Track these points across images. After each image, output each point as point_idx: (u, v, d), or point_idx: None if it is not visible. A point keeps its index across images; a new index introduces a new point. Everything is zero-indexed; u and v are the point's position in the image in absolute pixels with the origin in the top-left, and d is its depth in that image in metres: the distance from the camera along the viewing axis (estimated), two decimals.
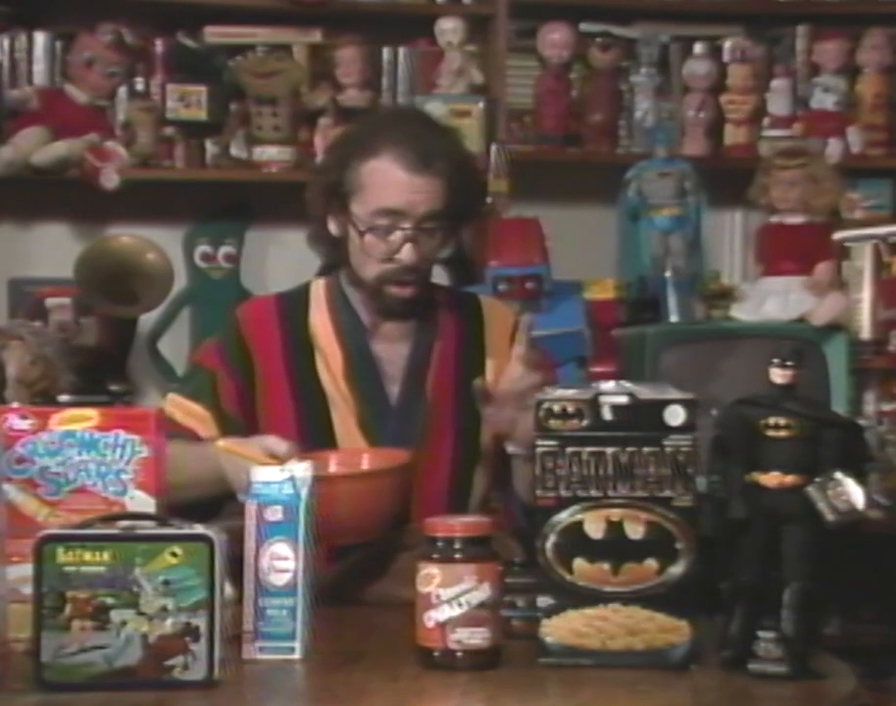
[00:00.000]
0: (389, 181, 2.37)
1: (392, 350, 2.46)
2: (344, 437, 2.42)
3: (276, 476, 1.94)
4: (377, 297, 2.43)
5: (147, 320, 3.78)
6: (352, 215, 2.40)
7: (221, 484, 2.26)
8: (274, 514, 1.92)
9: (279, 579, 1.91)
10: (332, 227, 2.46)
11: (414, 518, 2.32)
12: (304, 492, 1.93)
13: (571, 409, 1.88)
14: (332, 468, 2.28)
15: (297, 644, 1.90)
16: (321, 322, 2.49)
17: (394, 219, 2.37)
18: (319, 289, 2.53)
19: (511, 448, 2.34)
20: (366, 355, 2.46)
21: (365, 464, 2.31)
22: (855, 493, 1.79)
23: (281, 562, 1.91)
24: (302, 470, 1.95)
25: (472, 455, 2.47)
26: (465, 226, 2.54)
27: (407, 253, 2.38)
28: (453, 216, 2.42)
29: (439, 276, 3.29)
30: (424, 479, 2.40)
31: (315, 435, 2.40)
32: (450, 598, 1.83)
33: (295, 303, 2.52)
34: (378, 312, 2.46)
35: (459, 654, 1.83)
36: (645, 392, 1.89)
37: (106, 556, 1.74)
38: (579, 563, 1.86)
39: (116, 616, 1.74)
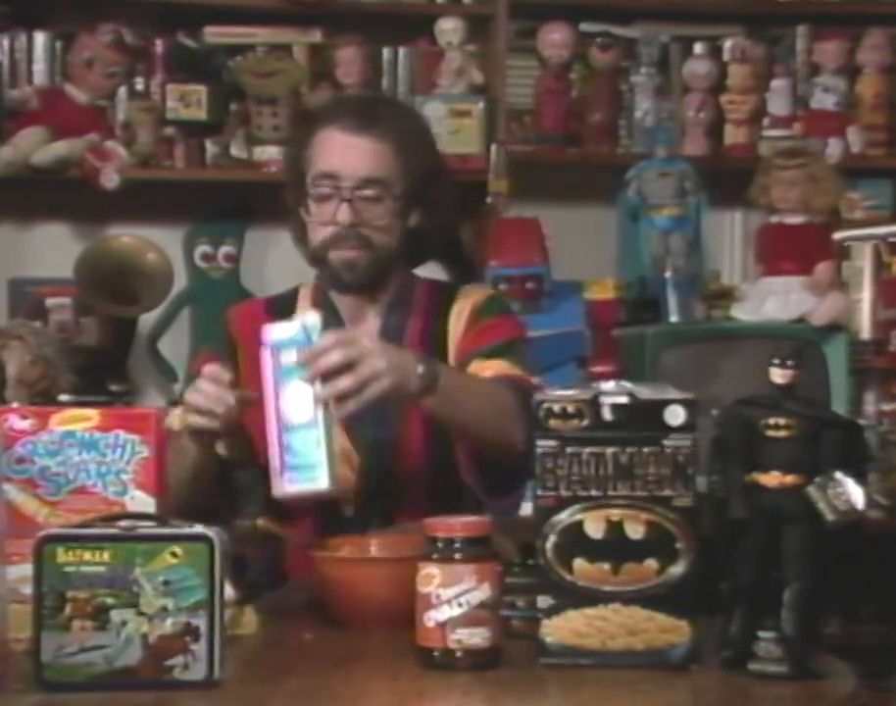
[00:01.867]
0: (328, 145, 2.39)
1: None
2: None
3: (287, 327, 2.00)
4: (324, 267, 2.42)
5: (147, 320, 3.78)
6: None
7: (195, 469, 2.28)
8: (289, 356, 1.97)
9: (301, 416, 1.95)
10: (302, 216, 2.45)
11: (395, 511, 2.33)
12: (315, 336, 1.98)
13: (571, 409, 1.88)
14: (373, 551, 2.20)
15: (323, 473, 1.94)
16: None
17: (333, 182, 2.37)
18: (306, 291, 2.54)
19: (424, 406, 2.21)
20: None
21: (405, 549, 2.11)
22: (855, 493, 1.79)
23: (300, 400, 1.95)
24: (311, 318, 2.01)
25: (445, 444, 2.40)
26: (431, 206, 2.45)
27: (342, 213, 2.36)
28: (403, 186, 2.38)
29: (440, 276, 3.30)
30: (404, 474, 2.40)
31: None
32: (450, 598, 1.83)
33: (282, 305, 2.52)
34: (330, 286, 2.44)
35: (459, 654, 1.83)
36: (645, 392, 1.89)
37: (106, 556, 1.74)
38: (579, 563, 1.86)
39: (116, 616, 1.74)
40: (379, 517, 2.37)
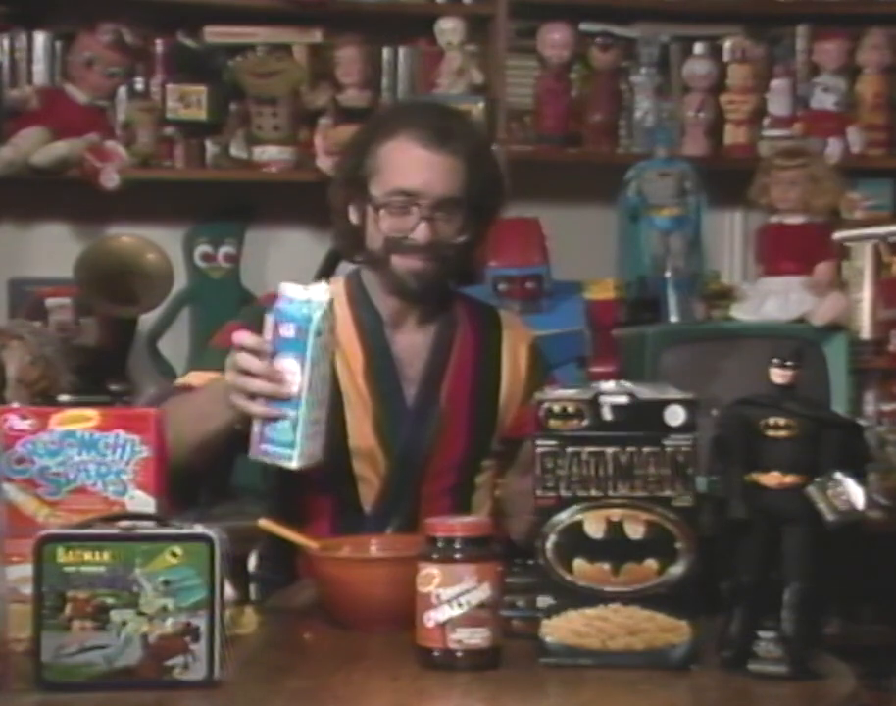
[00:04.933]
0: (406, 160, 2.35)
1: (411, 352, 2.45)
2: (357, 438, 2.40)
3: (298, 294, 2.01)
4: (385, 270, 2.39)
5: (147, 320, 3.78)
6: (370, 197, 2.38)
7: (216, 418, 2.18)
8: (287, 330, 2.00)
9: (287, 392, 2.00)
10: (352, 217, 2.42)
11: (421, 524, 2.33)
12: (316, 315, 2.00)
13: (571, 409, 1.88)
14: (373, 551, 2.22)
15: (295, 453, 1.99)
16: (340, 319, 2.45)
17: (411, 199, 2.34)
18: (339, 286, 2.50)
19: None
20: (386, 354, 2.44)
21: (405, 549, 2.09)
22: (855, 493, 1.80)
23: (288, 375, 2.00)
24: (321, 292, 2.02)
25: (479, 460, 2.47)
26: (485, 219, 2.46)
27: (421, 232, 2.34)
28: (471, 203, 2.38)
29: None
30: (433, 485, 2.40)
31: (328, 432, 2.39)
32: (450, 598, 1.83)
33: None
34: (390, 290, 2.42)
35: (459, 654, 1.83)
36: (645, 392, 1.89)
37: (106, 556, 1.75)
38: (579, 563, 1.86)
39: (116, 616, 1.74)
40: (399, 517, 2.37)
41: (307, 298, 2.00)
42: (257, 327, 2.40)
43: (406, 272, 2.38)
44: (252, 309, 2.54)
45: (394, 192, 2.35)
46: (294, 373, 1.99)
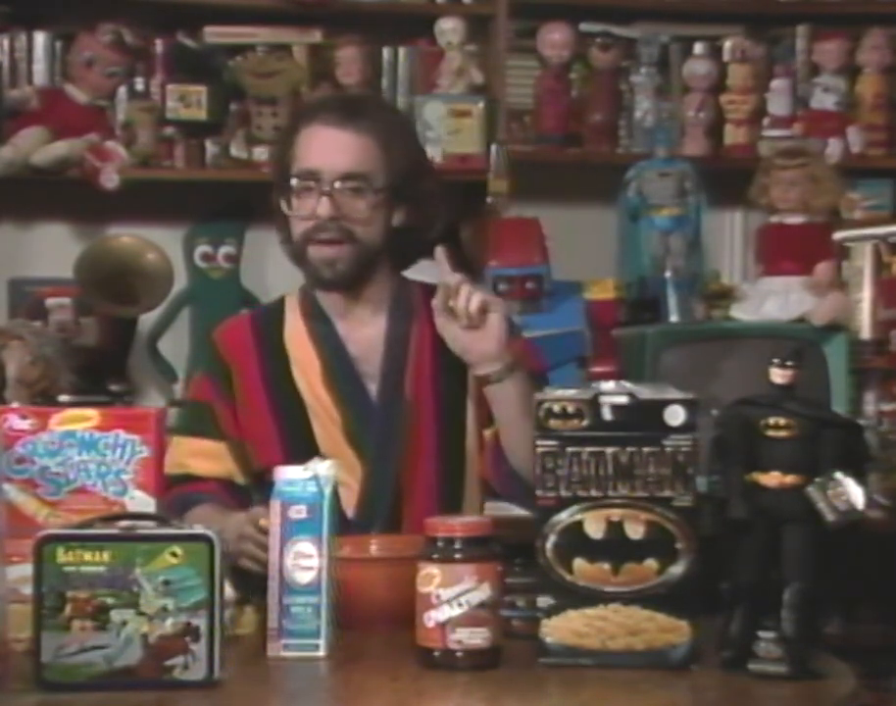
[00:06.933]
0: (312, 141, 2.39)
1: (368, 348, 2.43)
2: (327, 445, 2.38)
3: (300, 474, 1.95)
4: (305, 263, 2.40)
5: (147, 320, 3.78)
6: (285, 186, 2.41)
7: None
8: (298, 513, 1.93)
9: (304, 577, 1.92)
10: (284, 212, 2.43)
11: (405, 520, 2.33)
12: (327, 491, 1.95)
13: (571, 409, 1.88)
14: (373, 550, 2.23)
15: (321, 642, 1.91)
16: (296, 331, 2.46)
17: (313, 176, 2.37)
18: (293, 300, 2.51)
19: (476, 372, 2.28)
20: (342, 356, 2.43)
21: (405, 549, 2.11)
22: (855, 493, 1.80)
23: (305, 560, 1.92)
24: (325, 468, 1.97)
25: (456, 448, 2.43)
26: (414, 204, 2.44)
27: (321, 207, 2.35)
28: (386, 181, 2.37)
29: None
30: (411, 479, 2.40)
31: (297, 447, 2.36)
32: (450, 598, 1.83)
33: (270, 318, 2.51)
34: (312, 283, 2.44)
35: (459, 654, 1.83)
36: (645, 392, 1.89)
37: (106, 556, 1.75)
38: (579, 563, 1.86)
39: (116, 616, 1.74)
40: (381, 520, 2.37)
41: (312, 475, 1.95)
42: (219, 373, 2.46)
43: (319, 261, 2.38)
44: (209, 354, 2.52)
45: (298, 173, 2.38)
46: (311, 556, 1.92)
